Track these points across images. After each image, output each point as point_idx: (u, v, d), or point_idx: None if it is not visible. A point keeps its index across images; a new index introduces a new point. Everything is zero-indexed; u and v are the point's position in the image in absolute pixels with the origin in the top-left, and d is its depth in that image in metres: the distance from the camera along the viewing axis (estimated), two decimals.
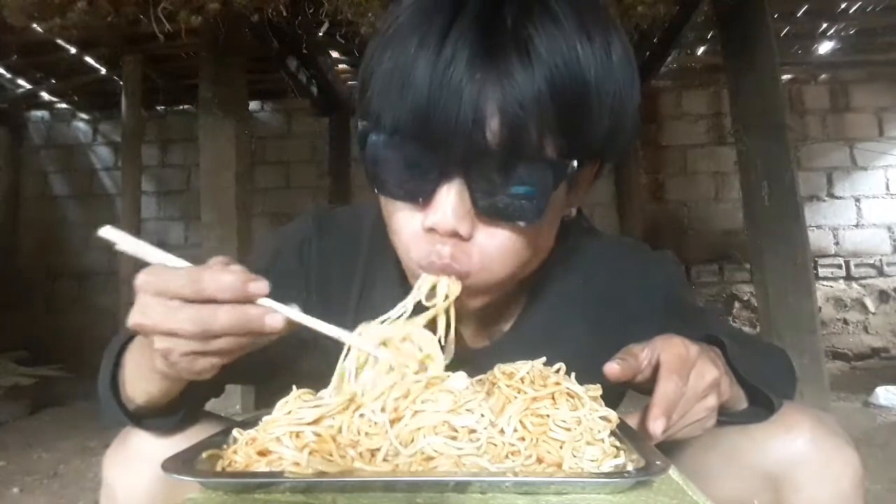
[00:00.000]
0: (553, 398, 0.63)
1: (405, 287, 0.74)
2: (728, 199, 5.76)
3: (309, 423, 0.60)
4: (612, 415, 0.63)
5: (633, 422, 0.67)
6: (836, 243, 5.73)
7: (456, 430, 0.59)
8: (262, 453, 0.59)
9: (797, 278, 3.29)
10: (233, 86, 3.76)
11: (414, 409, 0.61)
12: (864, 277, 5.56)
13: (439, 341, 0.69)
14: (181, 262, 0.59)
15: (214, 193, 3.69)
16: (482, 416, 0.60)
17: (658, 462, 0.57)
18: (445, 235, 0.66)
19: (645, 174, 5.87)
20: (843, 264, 5.57)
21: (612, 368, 0.65)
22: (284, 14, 3.18)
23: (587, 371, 0.67)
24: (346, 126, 5.70)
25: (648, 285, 0.89)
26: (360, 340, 0.66)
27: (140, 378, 0.71)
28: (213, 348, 0.58)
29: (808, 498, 0.71)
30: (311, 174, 6.08)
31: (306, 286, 0.87)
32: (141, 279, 0.57)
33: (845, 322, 5.53)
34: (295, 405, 0.63)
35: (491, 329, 0.87)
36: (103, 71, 5.18)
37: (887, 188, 5.74)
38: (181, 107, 6.00)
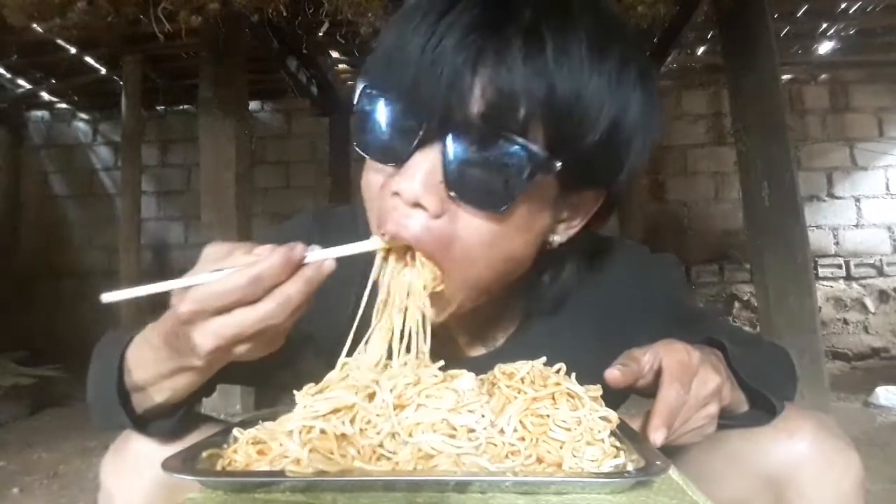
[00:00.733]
0: (553, 398, 0.63)
1: None
2: (728, 199, 5.76)
3: (322, 415, 0.60)
4: (612, 415, 0.63)
5: (635, 425, 0.67)
6: (836, 243, 5.73)
7: (455, 429, 0.59)
8: (262, 452, 0.60)
9: (797, 278, 3.28)
10: (233, 86, 3.75)
11: (418, 401, 0.61)
12: (864, 277, 5.56)
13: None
14: (196, 279, 0.58)
15: (214, 193, 3.69)
16: (482, 416, 0.60)
17: (658, 462, 0.57)
18: (408, 205, 0.64)
19: (645, 174, 5.87)
20: (843, 264, 5.57)
21: (614, 374, 0.65)
22: (284, 14, 3.18)
23: (588, 378, 0.67)
24: (346, 126, 5.68)
25: (649, 291, 0.89)
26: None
27: (164, 378, 0.68)
28: (291, 322, 0.59)
29: (810, 500, 0.72)
30: (311, 174, 6.08)
31: None
32: (186, 309, 0.57)
33: (845, 322, 5.53)
34: (309, 399, 0.63)
35: (487, 338, 0.87)
36: (103, 71, 5.18)
37: (887, 188, 5.74)
38: (181, 107, 6.00)
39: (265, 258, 0.57)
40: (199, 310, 0.56)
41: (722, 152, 5.74)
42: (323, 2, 3.11)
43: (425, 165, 0.63)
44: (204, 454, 0.61)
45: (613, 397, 0.68)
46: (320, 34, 4.39)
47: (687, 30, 4.24)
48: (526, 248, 0.71)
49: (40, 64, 5.16)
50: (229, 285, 0.56)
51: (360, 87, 0.68)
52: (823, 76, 5.81)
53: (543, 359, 0.69)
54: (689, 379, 0.65)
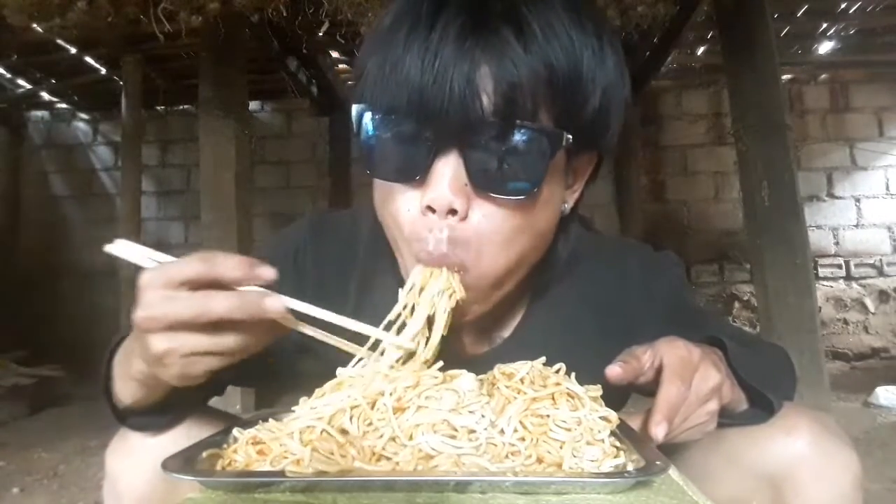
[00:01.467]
0: (553, 398, 0.63)
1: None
2: (728, 199, 5.76)
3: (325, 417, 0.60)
4: (612, 415, 0.64)
5: (635, 424, 0.67)
6: (836, 243, 5.73)
7: (455, 430, 0.59)
8: (262, 452, 0.60)
9: (797, 278, 3.28)
10: (233, 86, 3.75)
11: (418, 403, 0.61)
12: (864, 277, 5.56)
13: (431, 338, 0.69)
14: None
15: (214, 193, 3.69)
16: (482, 416, 0.60)
17: (658, 462, 0.57)
18: (442, 213, 0.66)
19: (645, 174, 5.87)
20: (843, 264, 5.57)
21: (614, 371, 0.65)
22: (284, 14, 3.18)
23: (589, 376, 0.67)
24: (347, 126, 5.67)
25: (650, 289, 0.89)
26: (359, 325, 0.66)
27: (124, 379, 0.70)
28: (213, 345, 0.57)
29: (808, 499, 0.72)
30: (311, 174, 6.08)
31: (301, 293, 0.86)
32: (145, 277, 0.57)
33: (845, 322, 5.53)
34: (311, 403, 0.63)
35: (491, 335, 0.87)
36: (103, 71, 5.17)
37: (887, 188, 5.74)
38: (181, 107, 6.00)
39: (226, 255, 0.58)
40: (150, 279, 0.57)
41: (722, 152, 5.73)
42: (323, 2, 3.11)
43: (448, 172, 0.65)
44: (204, 454, 0.61)
45: (615, 398, 0.68)
46: (320, 34, 4.39)
47: (687, 30, 4.24)
48: (549, 222, 0.74)
49: (40, 64, 5.15)
50: (181, 265, 0.57)
51: (359, 114, 0.69)
52: (823, 76, 5.80)
53: (543, 359, 0.69)
54: (689, 376, 0.65)
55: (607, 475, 0.57)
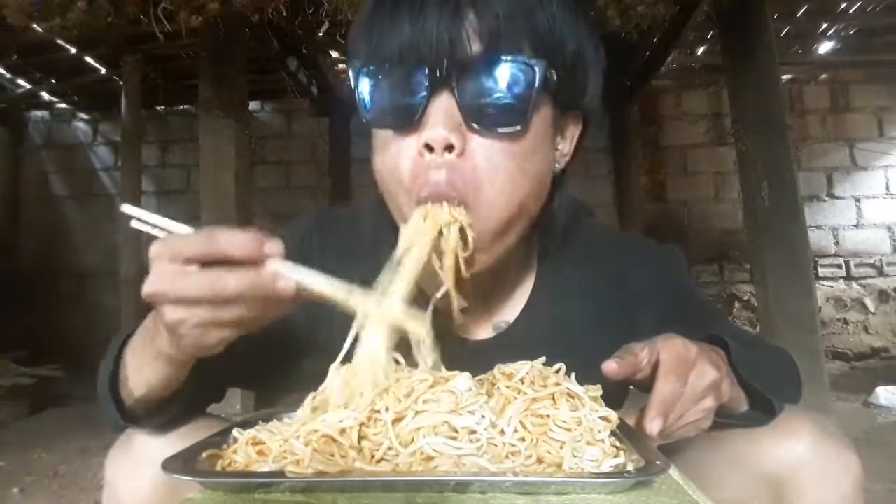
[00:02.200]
0: (553, 399, 0.63)
1: None
2: (728, 199, 5.76)
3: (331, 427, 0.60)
4: (612, 415, 0.63)
5: (631, 421, 0.67)
6: (836, 243, 5.73)
7: (456, 431, 0.59)
8: (261, 453, 0.60)
9: (797, 278, 3.28)
10: (233, 86, 3.75)
11: (416, 409, 0.61)
12: (864, 277, 5.56)
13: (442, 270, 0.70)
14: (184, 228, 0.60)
15: (214, 193, 3.68)
16: (482, 416, 0.60)
17: (658, 462, 0.57)
18: (440, 150, 0.69)
19: (645, 174, 5.87)
20: (843, 264, 5.58)
21: (611, 367, 0.65)
22: (284, 14, 3.18)
23: (595, 362, 0.66)
24: (346, 126, 5.69)
25: (656, 275, 0.90)
26: (371, 304, 0.65)
27: (142, 366, 0.70)
28: (224, 317, 0.57)
29: (809, 500, 0.71)
30: (311, 174, 6.08)
31: None
32: (155, 248, 0.57)
33: (845, 322, 5.53)
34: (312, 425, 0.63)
35: (495, 320, 0.88)
36: (103, 71, 5.18)
37: (887, 188, 5.74)
38: (181, 107, 6.00)
39: (235, 230, 0.57)
40: (160, 250, 0.57)
41: (722, 152, 5.74)
42: (323, 2, 3.12)
43: (443, 112, 0.69)
44: (204, 454, 0.61)
45: (614, 396, 0.68)
46: (320, 34, 4.39)
47: (687, 30, 4.24)
48: (542, 172, 0.77)
49: (40, 64, 5.15)
50: (188, 237, 0.57)
51: (353, 68, 0.73)
52: (823, 76, 5.81)
53: (543, 359, 0.69)
54: (686, 372, 0.65)
55: (607, 475, 0.57)
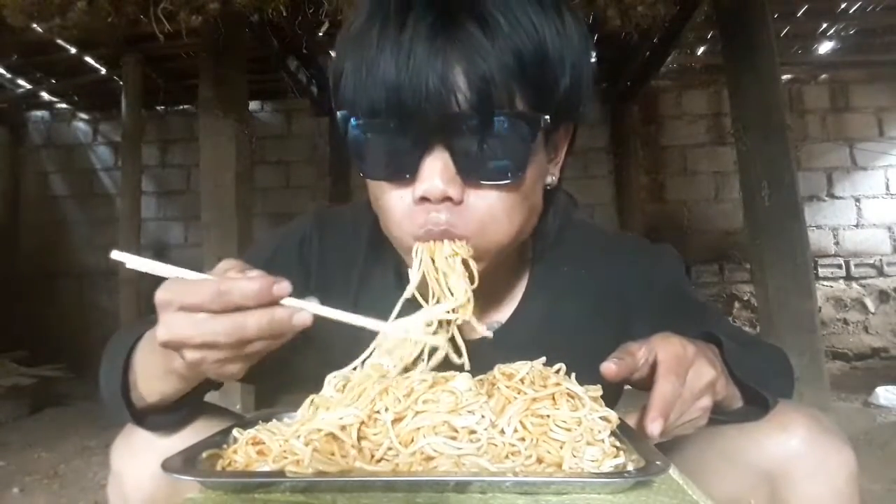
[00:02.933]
0: (553, 399, 0.63)
1: (402, 284, 0.74)
2: (728, 199, 5.76)
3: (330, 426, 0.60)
4: (612, 415, 0.63)
5: (631, 421, 0.67)
6: (836, 243, 5.73)
7: (456, 431, 0.59)
8: (261, 453, 0.60)
9: (797, 278, 3.28)
10: (233, 86, 3.75)
11: (416, 409, 0.61)
12: (864, 277, 5.56)
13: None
14: (195, 275, 0.60)
15: (214, 193, 3.69)
16: (482, 416, 0.60)
17: (658, 462, 0.57)
18: (437, 202, 0.68)
19: (645, 174, 5.87)
20: (843, 264, 5.57)
21: (609, 368, 0.65)
22: (284, 14, 3.18)
23: (588, 362, 0.67)
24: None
25: (650, 275, 0.90)
26: (391, 327, 0.67)
27: (154, 378, 0.71)
28: (243, 353, 0.59)
29: (804, 494, 0.72)
30: (311, 174, 6.07)
31: (305, 283, 0.87)
32: (161, 296, 0.58)
33: (845, 322, 5.53)
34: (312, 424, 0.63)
35: (489, 320, 0.88)
36: (103, 71, 5.17)
37: (887, 188, 5.74)
38: (181, 107, 6.00)
39: (242, 278, 0.58)
40: (168, 298, 0.57)
41: (722, 152, 5.73)
42: (323, 2, 3.11)
43: (438, 165, 0.67)
44: (204, 454, 0.61)
45: (609, 393, 0.68)
46: (320, 34, 4.39)
47: (687, 30, 4.24)
48: (539, 195, 0.78)
49: (40, 64, 5.15)
50: (199, 286, 0.57)
51: (343, 119, 0.71)
52: (823, 76, 5.80)
53: (543, 359, 0.69)
54: (684, 372, 0.65)
55: (607, 475, 0.57)
